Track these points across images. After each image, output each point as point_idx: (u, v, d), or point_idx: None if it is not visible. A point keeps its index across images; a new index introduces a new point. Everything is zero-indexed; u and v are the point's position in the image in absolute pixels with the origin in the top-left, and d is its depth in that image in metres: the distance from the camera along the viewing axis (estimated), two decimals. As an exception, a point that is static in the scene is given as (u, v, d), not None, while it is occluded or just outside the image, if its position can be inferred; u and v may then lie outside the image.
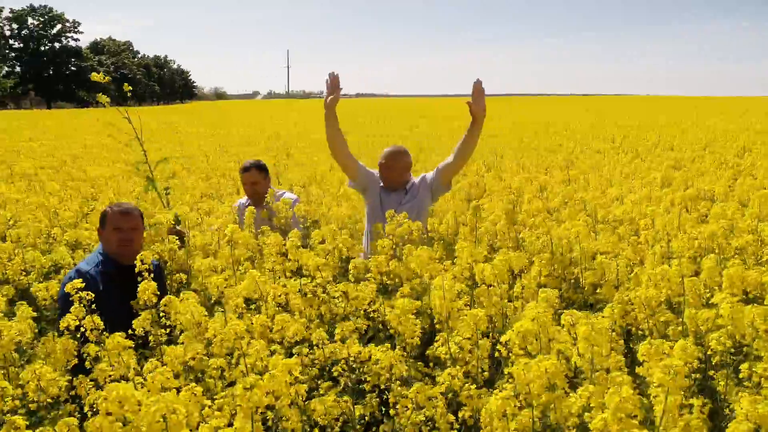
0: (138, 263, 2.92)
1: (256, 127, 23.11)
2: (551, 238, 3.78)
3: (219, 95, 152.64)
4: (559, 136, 16.43)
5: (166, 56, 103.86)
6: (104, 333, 2.45)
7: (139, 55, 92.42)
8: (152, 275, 2.81)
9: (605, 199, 5.63)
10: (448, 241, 4.27)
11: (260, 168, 5.06)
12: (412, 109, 42.71)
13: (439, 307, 2.45)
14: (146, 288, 2.69)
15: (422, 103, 62.74)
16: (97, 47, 79.84)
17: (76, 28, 71.20)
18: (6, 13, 66.14)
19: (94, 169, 9.21)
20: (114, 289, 3.23)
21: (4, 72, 64.34)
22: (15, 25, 67.19)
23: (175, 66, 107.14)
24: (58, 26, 69.75)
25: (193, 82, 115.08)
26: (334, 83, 4.45)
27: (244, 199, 5.25)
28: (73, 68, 69.33)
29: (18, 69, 67.30)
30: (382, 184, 4.61)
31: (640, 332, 2.60)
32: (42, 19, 68.48)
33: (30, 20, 67.94)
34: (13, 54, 67.30)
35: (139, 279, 2.79)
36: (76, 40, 72.07)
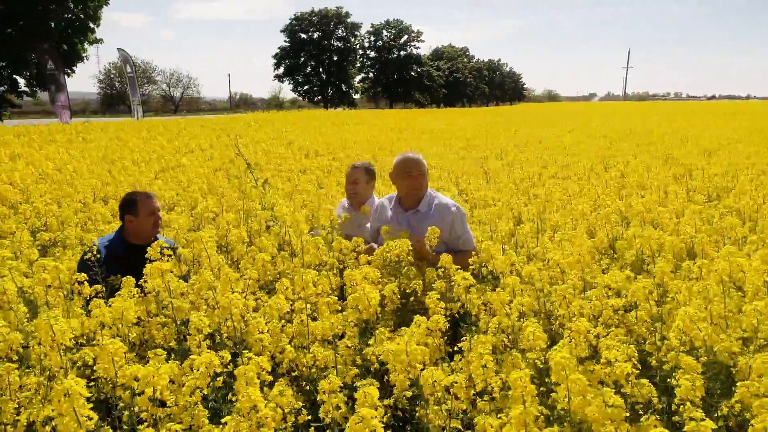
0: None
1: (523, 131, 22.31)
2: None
3: (551, 97, 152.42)
4: None
5: (499, 60, 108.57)
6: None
7: (474, 60, 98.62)
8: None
9: None
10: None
11: (368, 171, 4.92)
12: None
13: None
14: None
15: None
16: (437, 53, 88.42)
17: (418, 37, 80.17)
18: (367, 28, 79.09)
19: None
20: (114, 261, 3.70)
21: (359, 77, 77.58)
22: (372, 38, 79.40)
23: (507, 69, 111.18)
24: (405, 37, 79.68)
25: (523, 84, 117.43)
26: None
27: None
28: (413, 73, 78.35)
29: (371, 75, 79.59)
30: (392, 205, 4.16)
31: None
32: (393, 31, 79.32)
33: (384, 33, 79.41)
34: (368, 62, 79.63)
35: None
36: (418, 48, 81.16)
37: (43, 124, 22.00)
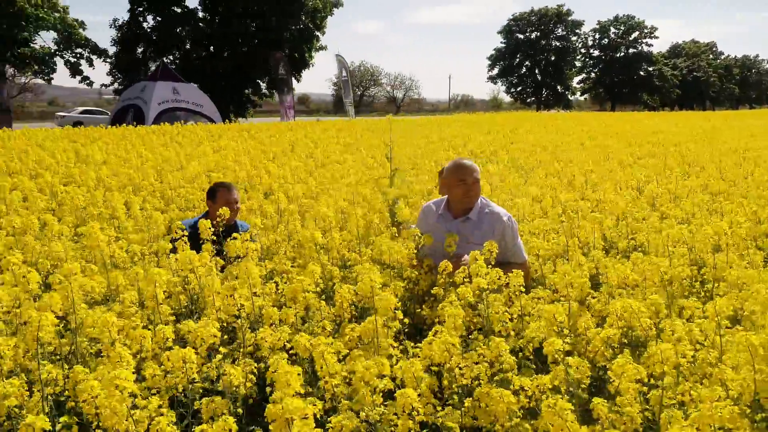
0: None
1: None
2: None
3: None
4: None
5: (756, 55, 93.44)
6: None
7: (722, 57, 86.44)
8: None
9: None
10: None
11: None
12: None
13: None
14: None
15: None
16: (675, 50, 79.53)
17: (652, 33, 72.91)
18: (593, 26, 74.64)
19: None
20: (191, 239, 4.46)
21: (579, 78, 73.46)
22: (597, 36, 74.37)
23: (767, 66, 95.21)
24: (635, 33, 73.11)
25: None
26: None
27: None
28: (641, 72, 71.65)
29: (592, 75, 74.71)
30: (440, 211, 3.95)
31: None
32: (622, 28, 73.30)
33: (612, 29, 73.83)
34: (591, 62, 74.88)
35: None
36: (650, 45, 73.94)
37: (273, 122, 25.45)
